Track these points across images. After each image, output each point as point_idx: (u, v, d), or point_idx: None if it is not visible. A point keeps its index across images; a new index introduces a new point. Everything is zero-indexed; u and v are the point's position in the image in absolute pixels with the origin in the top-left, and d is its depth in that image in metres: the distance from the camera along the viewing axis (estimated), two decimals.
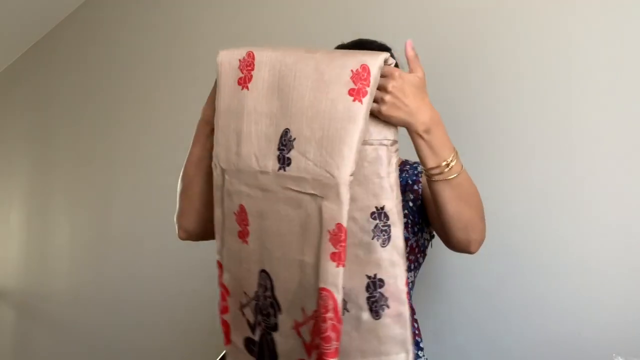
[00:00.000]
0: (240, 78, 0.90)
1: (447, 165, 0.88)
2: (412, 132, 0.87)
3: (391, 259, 0.81)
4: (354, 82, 0.79)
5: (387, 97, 0.84)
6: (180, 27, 2.43)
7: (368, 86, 0.79)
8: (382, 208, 0.82)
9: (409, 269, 1.13)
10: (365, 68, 0.79)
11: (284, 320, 0.87)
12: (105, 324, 2.70)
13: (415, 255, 1.13)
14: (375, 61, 0.80)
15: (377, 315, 0.82)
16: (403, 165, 1.21)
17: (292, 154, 0.83)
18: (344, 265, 0.78)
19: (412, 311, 1.15)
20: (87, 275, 2.89)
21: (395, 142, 0.85)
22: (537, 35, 1.28)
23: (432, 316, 1.38)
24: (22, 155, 3.85)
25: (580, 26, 1.22)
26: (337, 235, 0.77)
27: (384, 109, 0.84)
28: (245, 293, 0.93)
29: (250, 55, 0.89)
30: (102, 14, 3.03)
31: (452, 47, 1.42)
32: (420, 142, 0.88)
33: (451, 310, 1.37)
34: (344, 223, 0.77)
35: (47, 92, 3.57)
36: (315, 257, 0.81)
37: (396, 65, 1.12)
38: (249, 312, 0.93)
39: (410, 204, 1.12)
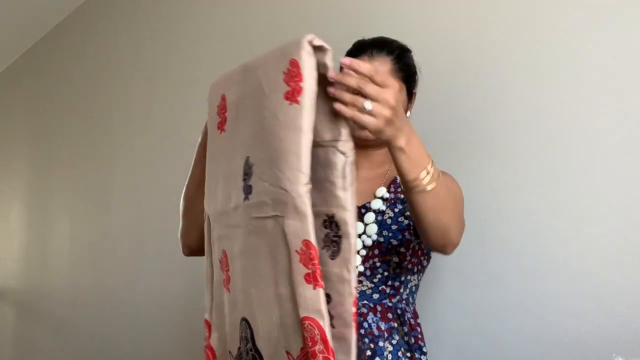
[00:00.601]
0: (219, 122, 0.88)
1: (428, 172, 0.84)
2: (395, 147, 0.82)
3: (340, 274, 0.72)
4: (287, 83, 0.72)
5: (386, 112, 0.76)
6: (180, 28, 2.43)
7: (301, 81, 0.70)
8: (332, 217, 0.74)
9: (412, 272, 1.13)
10: (294, 63, 0.71)
11: None
12: (105, 323, 2.70)
13: (419, 258, 1.13)
14: (301, 51, 0.70)
15: None
16: None
17: (253, 181, 0.78)
18: (322, 287, 0.70)
19: (415, 315, 1.14)
20: (87, 275, 2.89)
21: (347, 141, 0.75)
22: (536, 36, 1.28)
23: (432, 316, 1.38)
24: (22, 155, 3.85)
25: (578, 27, 1.22)
26: (307, 253, 0.69)
27: (381, 124, 0.76)
28: (230, 353, 0.84)
29: (224, 98, 0.87)
30: (101, 14, 3.04)
31: (451, 48, 1.43)
32: (402, 156, 0.82)
33: (451, 311, 1.37)
34: (312, 239, 0.69)
35: (47, 92, 3.57)
36: (289, 285, 0.72)
37: (409, 69, 1.11)
38: None
39: None
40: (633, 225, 1.12)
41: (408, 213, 1.10)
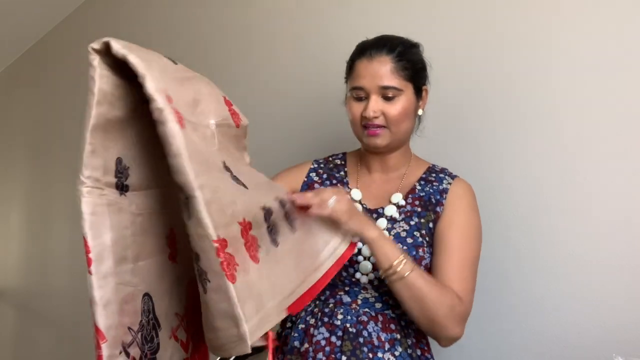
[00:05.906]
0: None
1: (402, 261, 0.96)
2: (368, 239, 0.98)
3: (197, 232, 0.75)
4: None
5: (344, 206, 0.97)
6: (180, 26, 2.43)
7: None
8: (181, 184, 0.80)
9: None
10: None
11: (163, 335, 0.86)
12: None
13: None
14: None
15: (204, 291, 0.77)
16: (428, 173, 1.16)
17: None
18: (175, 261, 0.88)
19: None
20: (87, 275, 2.89)
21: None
22: (537, 35, 1.28)
23: None
24: (22, 155, 3.85)
25: (580, 25, 1.22)
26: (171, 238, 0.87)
27: (343, 215, 0.96)
28: (130, 329, 0.87)
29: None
30: (101, 14, 3.04)
31: (452, 48, 1.43)
32: (375, 246, 0.97)
33: None
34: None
35: (47, 92, 3.57)
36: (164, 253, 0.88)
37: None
38: (135, 350, 0.84)
39: (431, 225, 1.09)
40: (633, 225, 1.12)
41: (424, 232, 1.08)
